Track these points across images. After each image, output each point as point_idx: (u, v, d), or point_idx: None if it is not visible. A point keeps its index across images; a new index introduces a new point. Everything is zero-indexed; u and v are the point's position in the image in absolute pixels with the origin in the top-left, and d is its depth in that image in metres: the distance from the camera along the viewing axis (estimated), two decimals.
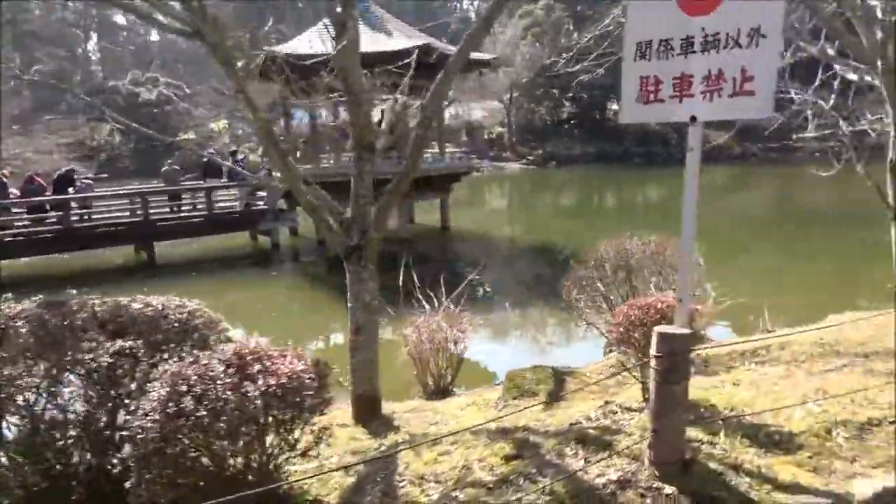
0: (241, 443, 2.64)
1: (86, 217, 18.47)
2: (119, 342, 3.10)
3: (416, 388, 7.66)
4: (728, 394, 4.40)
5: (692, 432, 3.50)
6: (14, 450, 3.13)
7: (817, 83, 8.89)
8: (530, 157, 45.32)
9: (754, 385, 4.70)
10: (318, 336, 12.70)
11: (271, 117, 4.58)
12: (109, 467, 2.89)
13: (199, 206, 19.98)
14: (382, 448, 4.38)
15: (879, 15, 7.13)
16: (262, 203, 20.17)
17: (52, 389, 3.16)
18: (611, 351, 7.29)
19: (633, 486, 2.92)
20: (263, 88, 16.01)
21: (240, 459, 2.70)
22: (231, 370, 2.73)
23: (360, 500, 3.33)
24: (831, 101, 8.40)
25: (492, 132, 48.37)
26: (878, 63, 7.15)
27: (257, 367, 2.77)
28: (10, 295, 3.86)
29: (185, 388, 2.65)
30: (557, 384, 6.01)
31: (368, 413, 5.83)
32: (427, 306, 7.98)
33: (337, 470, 3.59)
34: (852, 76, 8.30)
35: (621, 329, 4.07)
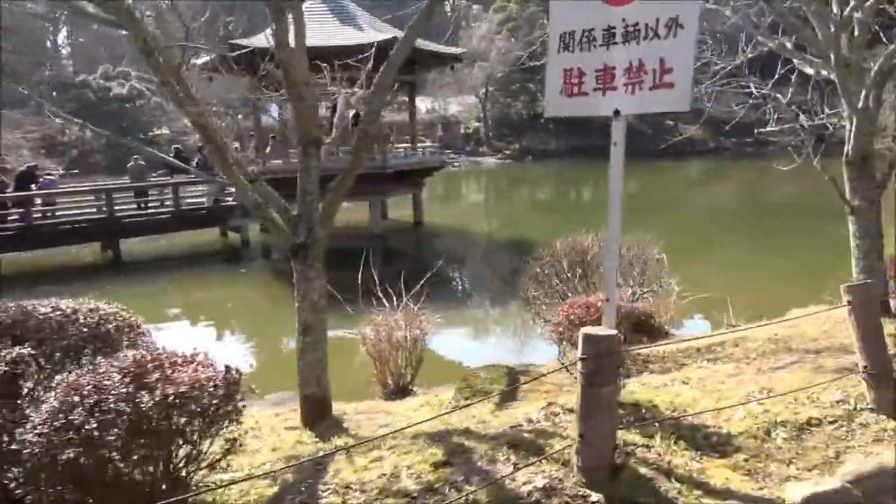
0: (138, 455, 2.50)
1: (49, 214, 18.08)
2: (17, 349, 2.93)
3: (376, 387, 7.54)
4: (673, 393, 4.33)
5: (629, 435, 3.41)
6: None
7: (776, 77, 8.88)
8: (507, 152, 45.29)
9: (702, 383, 4.63)
10: (284, 335, 12.52)
11: (204, 110, 4.40)
12: (6, 482, 2.73)
13: (167, 203, 19.64)
14: (321, 453, 4.24)
15: (834, 9, 7.11)
16: (231, 199, 19.88)
17: None
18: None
19: (559, 494, 2.82)
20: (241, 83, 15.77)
21: (140, 472, 2.55)
22: (127, 379, 2.58)
23: None
24: (788, 95, 8.39)
25: (468, 127, 48.25)
26: (831, 56, 7.13)
27: (156, 375, 2.63)
28: None
29: (77, 398, 2.50)
30: (511, 384, 5.91)
31: (317, 415, 5.69)
32: (387, 304, 7.86)
33: (247, 480, 3.45)
34: (809, 70, 8.29)
35: (561, 329, 3.97)
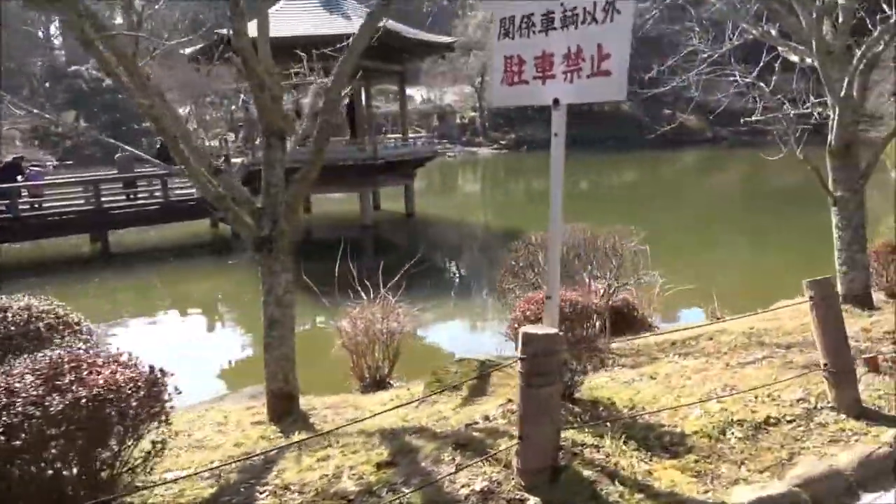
0: (49, 460, 2.41)
1: (36, 206, 17.95)
2: None
3: (354, 380, 7.46)
4: (635, 390, 4.24)
5: (579, 435, 3.32)
6: None
7: (760, 65, 8.75)
8: (502, 142, 45.09)
9: (668, 379, 4.54)
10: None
11: (155, 101, 4.29)
12: None
13: (156, 194, 19.51)
14: (276, 450, 4.15)
15: None
16: (221, 190, 19.70)
17: None
18: None
19: (496, 497, 2.73)
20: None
21: (55, 476, 2.46)
22: (39, 381, 2.49)
23: None
24: (771, 83, 8.27)
25: (464, 117, 48.04)
26: (813, 43, 7.01)
27: (70, 377, 2.53)
28: None
29: None
30: (482, 379, 5.82)
31: (284, 410, 5.60)
32: (365, 297, 7.76)
33: (186, 478, 3.36)
34: (794, 58, 8.16)
35: (516, 325, 3.87)
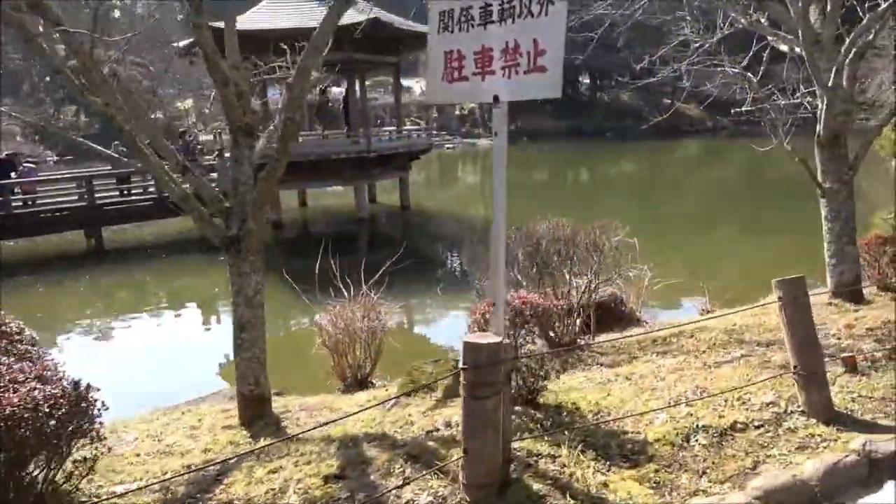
0: None
1: (30, 203, 17.87)
2: None
3: (336, 380, 7.35)
4: (605, 392, 4.11)
5: (535, 444, 3.20)
6: None
7: (750, 55, 8.59)
8: None
9: (641, 381, 4.42)
10: None
11: (112, 98, 4.17)
12: None
13: (150, 190, 19.38)
14: (234, 458, 4.04)
15: None
16: (214, 185, 19.60)
17: None
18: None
19: None
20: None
21: None
22: None
23: None
24: (760, 73, 8.12)
25: (463, 108, 47.76)
26: (799, 31, 6.85)
27: None
28: None
29: None
30: (455, 379, 5.70)
31: (255, 414, 5.50)
32: (346, 293, 7.63)
33: (119, 496, 3.25)
34: (783, 47, 8.00)
35: (476, 328, 3.74)
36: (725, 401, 3.64)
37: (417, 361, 8.27)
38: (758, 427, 3.35)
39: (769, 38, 8.00)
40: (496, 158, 2.71)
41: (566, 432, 3.29)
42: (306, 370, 8.04)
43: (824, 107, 7.04)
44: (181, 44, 20.00)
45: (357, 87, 20.62)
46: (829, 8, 7.10)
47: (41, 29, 4.29)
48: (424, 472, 2.88)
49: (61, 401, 2.59)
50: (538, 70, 2.46)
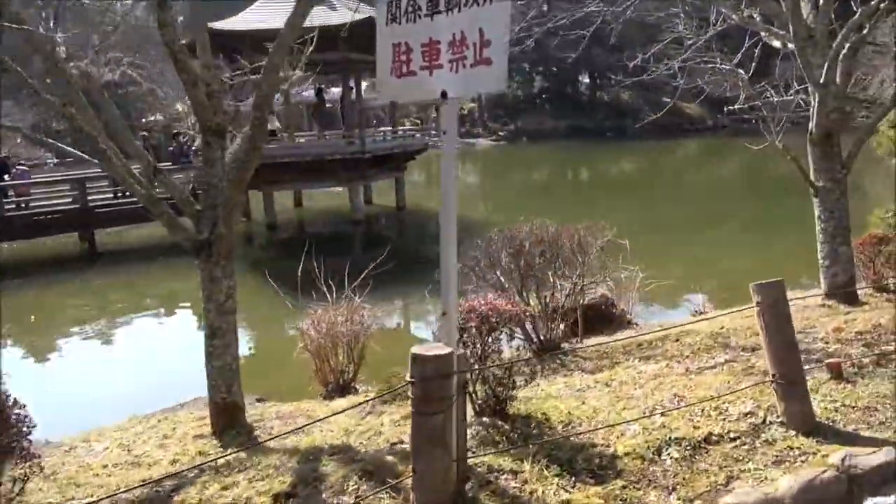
0: None
1: (23, 205, 17.77)
2: None
3: (319, 385, 7.20)
4: (580, 401, 3.95)
5: (498, 459, 3.04)
6: None
7: (742, 51, 8.45)
8: (501, 133, 44.66)
9: (619, 388, 4.26)
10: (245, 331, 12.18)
11: (72, 98, 4.02)
12: None
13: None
14: (193, 471, 3.90)
15: None
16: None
17: None
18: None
19: None
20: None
21: None
22: None
23: None
24: (752, 70, 7.98)
25: (463, 108, 47.61)
26: (790, 27, 6.69)
27: None
28: None
29: None
30: None
31: (227, 423, 5.34)
32: (329, 296, 7.47)
33: None
34: (776, 43, 7.84)
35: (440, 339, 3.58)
36: (702, 410, 3.48)
37: (398, 367, 8.09)
38: (734, 439, 3.18)
39: (762, 34, 7.85)
40: (445, 159, 2.55)
41: (531, 445, 3.13)
42: (292, 375, 7.89)
43: (816, 104, 6.89)
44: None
45: (353, 88, 20.49)
46: (821, 2, 6.95)
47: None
48: (377, 490, 2.73)
49: None
50: (484, 62, 2.30)
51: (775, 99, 8.36)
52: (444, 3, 2.38)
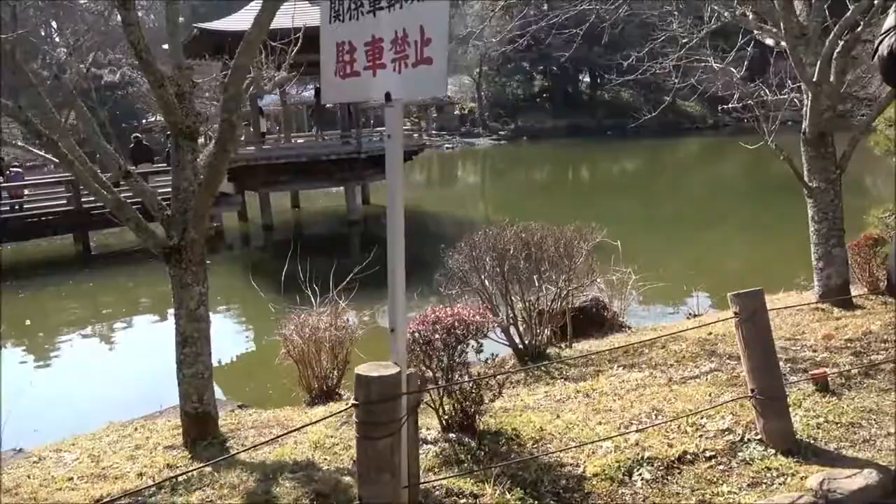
0: None
1: (17, 207, 17.69)
2: None
3: (303, 391, 7.06)
4: (555, 414, 3.79)
5: (458, 481, 2.88)
6: None
7: (734, 50, 8.32)
8: (501, 133, 44.48)
9: (600, 399, 4.10)
10: (236, 334, 12.06)
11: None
12: None
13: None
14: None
15: None
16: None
17: None
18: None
19: None
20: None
21: None
22: None
23: None
24: (743, 68, 7.84)
25: (463, 108, 47.47)
26: (781, 24, 6.53)
27: None
28: None
29: None
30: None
31: (199, 433, 5.20)
32: (314, 300, 7.33)
33: None
34: (769, 41, 7.69)
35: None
36: (679, 426, 3.32)
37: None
38: (709, 458, 3.02)
39: (755, 31, 7.70)
40: (390, 165, 2.39)
41: (494, 466, 2.97)
42: (281, 379, 7.76)
43: (809, 103, 6.74)
44: (166, 46, 19.76)
45: None
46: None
47: None
48: None
49: None
50: (426, 62, 2.15)
51: (769, 98, 8.22)
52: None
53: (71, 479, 4.57)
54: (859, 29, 6.71)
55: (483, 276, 6.11)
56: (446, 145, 41.54)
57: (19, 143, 5.77)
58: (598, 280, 7.53)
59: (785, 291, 8.99)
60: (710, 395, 3.84)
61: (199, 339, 5.20)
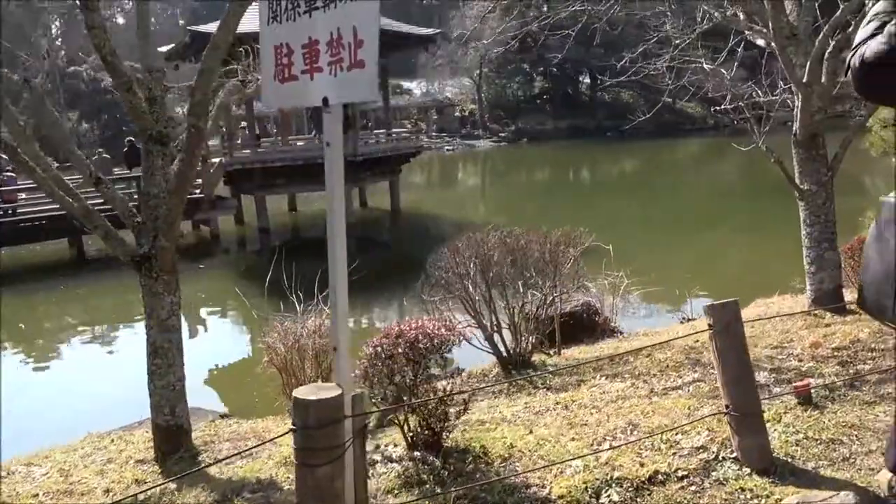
0: None
1: (10, 212, 17.62)
2: None
3: (287, 400, 6.92)
4: (527, 429, 3.66)
5: None
6: None
7: (726, 50, 8.20)
8: (502, 134, 44.39)
9: (578, 411, 3.97)
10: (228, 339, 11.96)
11: None
12: None
13: (135, 197, 19.03)
14: None
15: None
16: (197, 191, 19.23)
17: None
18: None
19: None
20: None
21: None
22: None
23: None
24: (733, 69, 7.73)
25: (464, 110, 47.39)
26: (770, 25, 6.40)
27: None
28: None
29: None
30: (383, 411, 5.25)
31: (171, 447, 5.08)
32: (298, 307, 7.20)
33: None
34: (760, 41, 7.57)
35: (365, 364, 3.31)
36: (653, 443, 3.18)
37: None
38: (681, 479, 2.88)
39: (745, 32, 7.58)
40: (329, 174, 2.27)
41: (455, 490, 2.84)
42: (268, 387, 7.65)
43: (800, 104, 6.61)
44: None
45: None
46: None
47: None
48: None
49: None
50: (359, 65, 2.03)
51: (762, 98, 8.10)
52: None
53: (37, 495, 4.45)
54: (850, 29, 6.58)
55: (467, 283, 5.97)
56: (447, 147, 41.46)
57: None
58: (590, 284, 7.40)
59: (780, 294, 8.85)
60: (689, 408, 3.71)
61: (171, 350, 5.08)
